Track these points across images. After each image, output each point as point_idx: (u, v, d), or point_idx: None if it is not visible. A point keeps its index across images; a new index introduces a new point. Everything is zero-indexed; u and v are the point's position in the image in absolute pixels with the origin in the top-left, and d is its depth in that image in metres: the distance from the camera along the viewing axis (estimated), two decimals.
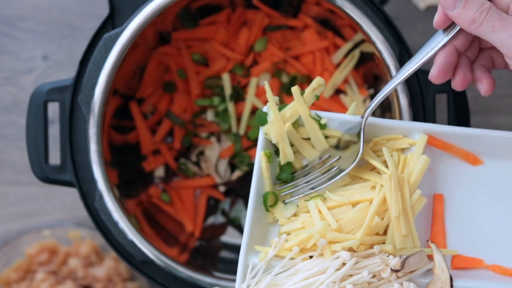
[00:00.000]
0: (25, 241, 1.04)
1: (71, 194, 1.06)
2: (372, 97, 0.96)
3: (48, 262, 1.04)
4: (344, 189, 0.72)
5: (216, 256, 0.98)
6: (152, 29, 0.90)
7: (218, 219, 1.01)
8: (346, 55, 0.96)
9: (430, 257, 0.70)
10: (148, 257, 0.84)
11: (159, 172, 1.00)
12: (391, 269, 0.68)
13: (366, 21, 0.83)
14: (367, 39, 0.84)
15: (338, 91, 0.98)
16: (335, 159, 0.72)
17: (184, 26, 0.96)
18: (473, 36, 0.69)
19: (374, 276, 0.68)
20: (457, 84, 0.70)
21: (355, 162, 0.71)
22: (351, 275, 0.68)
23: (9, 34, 1.10)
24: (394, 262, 0.68)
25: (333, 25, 0.96)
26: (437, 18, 0.68)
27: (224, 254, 0.99)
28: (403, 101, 0.82)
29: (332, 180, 0.71)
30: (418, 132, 0.72)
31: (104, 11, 0.87)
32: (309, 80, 0.97)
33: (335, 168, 0.72)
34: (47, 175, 0.86)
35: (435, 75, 0.69)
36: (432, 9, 1.06)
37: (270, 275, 0.69)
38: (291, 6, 0.96)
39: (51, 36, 1.10)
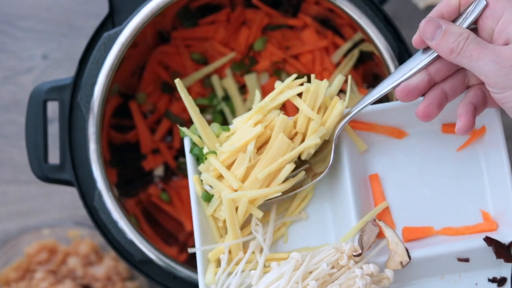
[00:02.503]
0: (24, 240, 1.04)
1: (71, 193, 1.06)
2: None
3: (47, 261, 1.04)
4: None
5: None
6: (151, 28, 0.90)
7: None
8: (345, 55, 0.96)
9: (382, 236, 0.71)
10: (148, 257, 0.84)
11: (159, 171, 1.00)
12: (354, 255, 0.69)
13: (365, 20, 0.83)
14: (367, 39, 0.84)
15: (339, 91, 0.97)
16: (303, 167, 0.73)
17: (183, 26, 0.96)
18: (452, 68, 0.68)
19: (333, 267, 0.69)
20: (419, 112, 0.69)
21: (324, 173, 0.71)
22: (310, 272, 0.68)
23: (9, 33, 1.10)
24: (348, 248, 0.69)
25: (332, 24, 0.96)
26: (415, 37, 0.68)
27: None
28: None
29: (301, 189, 0.72)
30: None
31: (104, 9, 0.87)
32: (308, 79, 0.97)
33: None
34: (47, 174, 0.86)
35: (398, 90, 0.69)
36: (432, 8, 1.06)
37: None
38: (291, 6, 0.96)
39: (50, 35, 1.10)
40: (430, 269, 0.72)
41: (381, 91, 0.69)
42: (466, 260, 0.72)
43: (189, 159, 0.73)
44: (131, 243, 0.84)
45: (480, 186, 0.74)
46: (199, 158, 0.73)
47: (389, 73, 0.83)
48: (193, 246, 0.98)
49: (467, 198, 0.74)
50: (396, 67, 0.82)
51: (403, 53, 0.83)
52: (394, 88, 0.69)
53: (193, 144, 0.73)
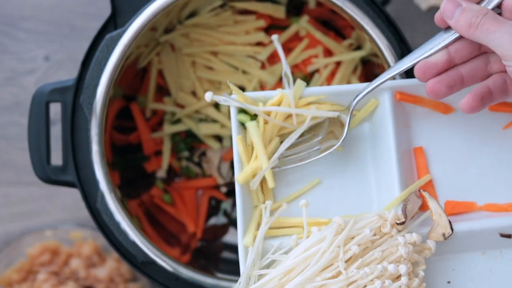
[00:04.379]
0: (26, 242, 1.04)
1: (73, 195, 1.06)
2: None
3: (50, 263, 1.04)
4: None
5: (218, 256, 0.98)
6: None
7: (220, 219, 1.01)
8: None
9: (425, 209, 0.72)
10: (150, 258, 0.84)
11: (161, 173, 1.00)
12: (397, 223, 0.69)
13: (367, 21, 0.83)
14: (369, 40, 0.84)
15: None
16: (318, 138, 0.73)
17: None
18: (473, 51, 0.69)
19: (375, 234, 0.69)
20: (427, 87, 0.69)
21: (339, 142, 0.71)
22: (352, 238, 0.68)
23: (11, 34, 1.10)
24: (392, 215, 0.69)
25: (335, 25, 0.96)
26: (437, 15, 0.68)
27: (226, 254, 0.99)
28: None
29: (316, 157, 0.72)
30: (386, 91, 0.73)
31: (105, 10, 0.87)
32: (311, 79, 0.97)
33: (316, 148, 0.72)
34: (49, 176, 0.86)
35: (417, 66, 0.69)
36: (434, 10, 1.06)
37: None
38: (294, 7, 0.96)
39: (52, 36, 1.10)
40: (472, 244, 0.72)
41: (401, 67, 0.69)
42: (509, 236, 0.72)
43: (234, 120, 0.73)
44: (134, 244, 0.84)
45: None
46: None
47: None
48: (196, 248, 0.98)
49: (511, 176, 0.74)
50: None
51: (405, 54, 0.83)
52: (414, 65, 0.69)
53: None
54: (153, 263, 0.84)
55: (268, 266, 0.70)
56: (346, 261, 0.67)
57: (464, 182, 0.74)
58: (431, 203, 0.71)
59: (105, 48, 0.84)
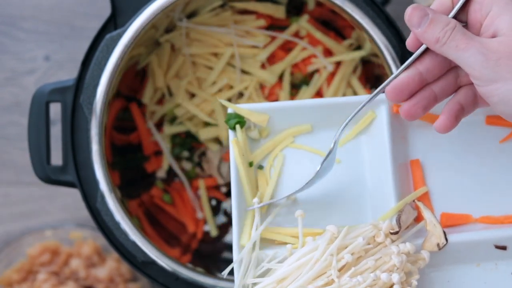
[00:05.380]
0: (26, 242, 1.04)
1: (73, 195, 1.06)
2: None
3: (50, 263, 1.03)
4: None
5: (218, 256, 0.98)
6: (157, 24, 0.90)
7: (220, 219, 1.01)
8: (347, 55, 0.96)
9: (420, 220, 0.71)
10: (150, 258, 0.84)
11: (161, 173, 1.00)
12: (391, 233, 0.69)
13: (368, 21, 0.83)
14: (369, 40, 0.84)
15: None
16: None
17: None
18: (444, 67, 0.67)
19: (369, 243, 0.69)
20: (403, 110, 0.68)
21: (320, 166, 0.71)
22: (346, 247, 0.68)
23: (11, 34, 1.10)
24: (386, 225, 0.69)
25: (335, 25, 0.96)
26: (409, 39, 0.67)
27: (226, 254, 0.99)
28: None
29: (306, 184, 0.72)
30: (383, 104, 0.73)
31: (105, 10, 0.87)
32: (311, 79, 0.97)
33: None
34: (49, 176, 0.86)
35: (387, 89, 0.67)
36: None
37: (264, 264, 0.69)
38: (294, 7, 0.96)
39: (52, 36, 1.10)
40: (466, 255, 0.72)
41: (368, 98, 0.69)
42: (504, 248, 0.71)
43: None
44: (134, 244, 0.84)
45: None
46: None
47: (391, 73, 0.83)
48: (195, 247, 0.98)
49: (508, 189, 0.74)
50: (398, 68, 0.82)
51: (405, 54, 0.83)
52: (383, 90, 0.67)
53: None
54: (153, 263, 0.84)
55: (263, 275, 0.70)
56: (339, 270, 0.67)
57: (460, 195, 0.74)
58: (426, 213, 0.71)
59: (105, 48, 0.84)
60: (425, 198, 0.74)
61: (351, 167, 0.75)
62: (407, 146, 0.75)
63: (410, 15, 0.64)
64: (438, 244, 0.70)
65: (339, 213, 0.74)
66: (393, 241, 0.69)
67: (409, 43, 0.67)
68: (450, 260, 0.72)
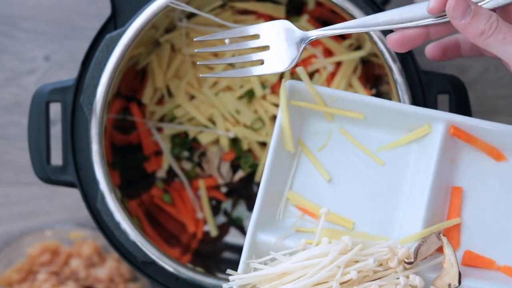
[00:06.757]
0: (26, 242, 1.04)
1: (73, 195, 1.06)
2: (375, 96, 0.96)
3: (50, 263, 1.04)
4: None
5: (218, 256, 0.98)
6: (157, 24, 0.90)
7: (220, 219, 1.01)
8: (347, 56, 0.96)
9: (441, 252, 0.69)
10: (150, 258, 0.84)
11: (161, 173, 1.00)
12: (405, 262, 0.67)
13: None
14: (369, 40, 0.84)
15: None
16: (263, 44, 0.71)
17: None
18: (452, 31, 0.67)
19: (380, 264, 0.67)
20: (390, 38, 0.67)
21: (291, 65, 0.70)
22: (356, 261, 0.67)
23: (10, 34, 1.10)
24: (402, 252, 0.67)
25: None
26: (434, 5, 0.65)
27: (227, 255, 0.99)
28: (405, 101, 0.82)
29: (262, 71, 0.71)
30: (442, 122, 0.71)
31: (106, 10, 0.87)
32: (311, 79, 0.97)
33: (259, 59, 0.70)
34: (49, 176, 0.86)
35: (393, 38, 0.67)
36: None
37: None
38: (294, 7, 0.96)
39: (52, 36, 1.10)
40: None
41: (375, 26, 0.68)
42: None
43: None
44: (134, 244, 0.84)
45: None
46: None
47: (391, 74, 0.83)
48: (196, 247, 0.98)
49: None
50: (398, 69, 0.82)
51: (405, 54, 0.83)
52: (388, 29, 0.67)
53: None
54: (153, 263, 0.84)
55: (272, 260, 0.69)
56: (341, 283, 0.66)
57: (492, 236, 0.71)
58: (447, 249, 0.68)
59: (105, 48, 0.84)
60: (455, 229, 0.71)
61: (394, 174, 0.73)
62: (454, 171, 0.72)
63: (455, 6, 0.63)
64: (449, 285, 0.67)
65: (367, 216, 0.72)
66: (405, 269, 0.67)
67: (433, 9, 0.65)
68: None
